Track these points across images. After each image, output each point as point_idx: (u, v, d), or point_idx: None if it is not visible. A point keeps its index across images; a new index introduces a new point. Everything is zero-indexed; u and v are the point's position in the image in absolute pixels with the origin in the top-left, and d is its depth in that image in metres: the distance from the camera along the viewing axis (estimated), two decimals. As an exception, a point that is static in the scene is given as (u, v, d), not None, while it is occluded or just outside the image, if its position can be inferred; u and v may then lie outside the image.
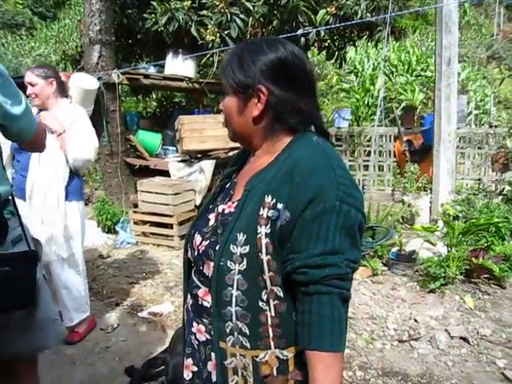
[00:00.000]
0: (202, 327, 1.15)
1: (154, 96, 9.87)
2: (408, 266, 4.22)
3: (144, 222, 5.33)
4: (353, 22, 5.81)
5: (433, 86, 10.20)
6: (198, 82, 6.36)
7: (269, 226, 0.99)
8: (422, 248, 4.40)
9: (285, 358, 1.05)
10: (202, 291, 1.15)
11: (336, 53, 7.00)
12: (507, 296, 3.75)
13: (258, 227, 1.00)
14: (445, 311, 3.50)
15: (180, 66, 6.19)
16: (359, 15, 6.05)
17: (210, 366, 1.15)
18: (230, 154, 5.45)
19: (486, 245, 3.97)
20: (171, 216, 5.01)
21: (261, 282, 1.02)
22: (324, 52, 7.12)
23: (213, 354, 1.12)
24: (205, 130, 5.25)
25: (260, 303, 1.03)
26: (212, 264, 1.07)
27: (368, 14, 6.12)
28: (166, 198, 5.01)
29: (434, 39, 5.90)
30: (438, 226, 4.75)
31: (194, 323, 1.17)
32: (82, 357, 3.04)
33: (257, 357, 1.05)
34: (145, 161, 5.96)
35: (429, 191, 5.96)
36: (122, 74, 5.70)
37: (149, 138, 6.30)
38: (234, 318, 1.04)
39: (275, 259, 1.00)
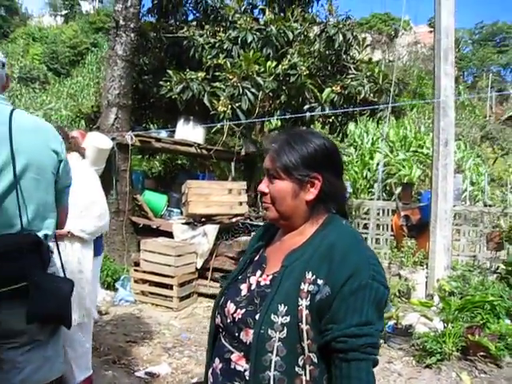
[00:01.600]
0: None
1: (158, 157, 10.16)
2: (404, 340, 4.26)
3: (144, 281, 5.37)
4: (364, 106, 6.16)
5: (429, 162, 10.57)
6: (206, 149, 6.65)
7: (309, 298, 1.13)
8: (418, 322, 4.46)
9: None
10: (235, 356, 1.24)
11: (338, 128, 7.36)
12: (504, 376, 3.76)
13: (299, 300, 1.14)
14: (441, 388, 3.53)
15: (190, 131, 6.50)
16: (362, 95, 6.44)
17: None
18: (234, 219, 5.61)
19: (481, 322, 4.05)
20: (172, 277, 5.08)
21: (298, 349, 1.14)
22: (327, 127, 7.48)
23: None
24: (211, 196, 5.43)
25: (296, 368, 1.14)
26: (251, 331, 1.18)
27: (371, 95, 6.52)
28: (168, 258, 5.10)
29: (432, 121, 6.24)
30: (433, 301, 4.83)
31: None
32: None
33: None
34: (149, 221, 6.10)
35: (425, 266, 6.07)
36: (135, 136, 5.97)
37: (154, 199, 6.48)
38: (271, 382, 1.14)
39: (313, 328, 1.13)
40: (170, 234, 5.72)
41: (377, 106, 6.34)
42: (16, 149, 1.71)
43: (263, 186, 1.30)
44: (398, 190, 8.38)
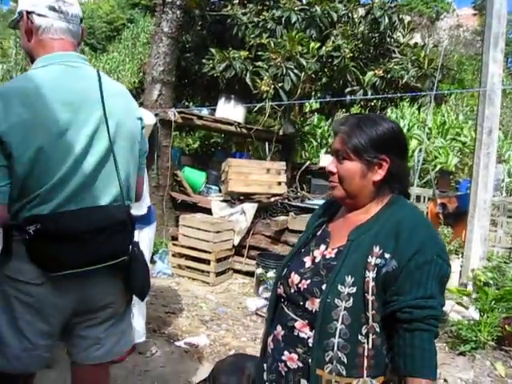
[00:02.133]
0: (295, 356, 1.31)
1: (193, 134, 10.27)
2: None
3: (182, 255, 5.51)
4: (407, 91, 6.08)
5: (467, 151, 10.40)
6: (246, 128, 6.70)
7: (375, 271, 1.21)
8: (452, 310, 4.47)
9: None
10: (299, 323, 1.32)
11: (378, 112, 7.29)
12: (539, 368, 3.77)
13: (367, 272, 1.22)
14: (475, 375, 3.55)
15: (231, 110, 6.55)
16: (405, 80, 6.36)
17: None
18: (272, 199, 5.67)
19: (518, 314, 4.03)
20: (210, 252, 5.20)
21: (363, 319, 1.22)
22: (366, 111, 7.42)
23: (302, 381, 1.29)
24: (250, 174, 5.50)
25: (359, 336, 1.22)
26: (317, 300, 1.26)
27: (413, 80, 6.43)
28: (206, 234, 5.21)
29: (476, 109, 6.11)
30: (469, 290, 4.82)
31: (286, 352, 1.34)
32: (123, 377, 3.15)
33: None
34: (188, 197, 6.22)
35: (460, 255, 6.03)
36: (178, 112, 6.06)
37: (194, 176, 6.59)
38: (335, 348, 1.22)
39: (377, 299, 1.21)
40: (208, 211, 5.83)
41: (421, 93, 6.24)
42: (108, 112, 1.61)
43: (331, 166, 1.37)
44: (435, 176, 8.30)
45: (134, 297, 1.83)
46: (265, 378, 1.43)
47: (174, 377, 3.24)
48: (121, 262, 1.63)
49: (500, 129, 14.09)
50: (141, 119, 1.78)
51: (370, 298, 1.21)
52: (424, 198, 7.49)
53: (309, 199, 6.20)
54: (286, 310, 1.39)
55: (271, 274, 4.82)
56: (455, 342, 3.97)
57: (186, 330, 4.02)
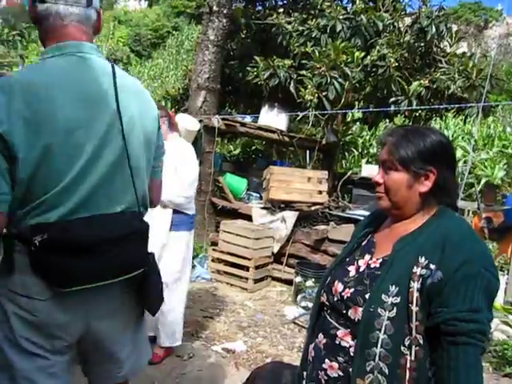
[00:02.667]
0: (336, 364, 1.32)
1: (234, 141, 10.37)
2: (482, 345, 4.15)
3: (221, 261, 5.56)
4: (454, 102, 5.96)
5: (516, 164, 10.05)
6: (288, 136, 6.72)
7: (420, 282, 1.20)
8: (496, 329, 4.33)
9: None
10: (341, 332, 1.33)
11: (422, 123, 7.17)
12: None
13: (411, 282, 1.21)
14: (520, 397, 3.43)
15: (273, 118, 6.59)
16: (451, 90, 6.24)
17: None
18: (313, 208, 5.65)
19: None
20: (249, 259, 5.22)
21: (406, 329, 1.21)
22: (410, 121, 7.30)
23: None
24: (292, 183, 5.51)
25: (402, 348, 1.21)
26: (360, 309, 1.27)
27: (459, 90, 6.30)
28: (246, 241, 5.24)
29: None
30: (514, 309, 4.66)
31: (327, 360, 1.34)
32: (160, 379, 3.19)
33: None
34: (229, 203, 6.28)
35: (506, 272, 5.84)
36: (222, 119, 6.15)
37: (235, 182, 6.65)
38: (376, 358, 1.21)
39: (421, 310, 1.20)
40: (248, 217, 5.87)
41: (469, 104, 6.10)
42: (123, 110, 1.45)
43: (378, 177, 1.38)
44: (480, 189, 8.06)
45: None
46: None
47: (210, 381, 3.27)
48: (137, 275, 1.48)
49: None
50: (157, 120, 1.63)
51: (414, 308, 1.20)
52: (468, 211, 7.29)
53: (350, 209, 6.15)
54: (328, 318, 1.40)
55: (310, 282, 4.80)
56: (499, 363, 3.85)
57: (223, 336, 4.05)
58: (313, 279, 4.80)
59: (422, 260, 1.22)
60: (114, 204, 1.45)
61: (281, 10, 7.21)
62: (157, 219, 2.98)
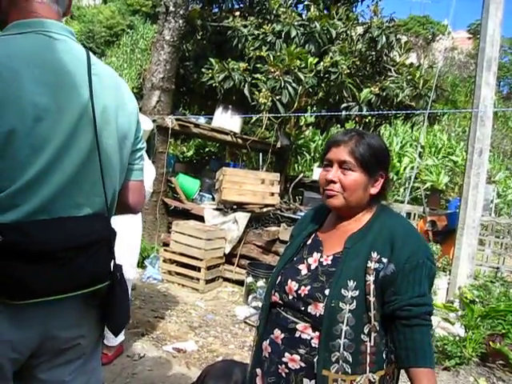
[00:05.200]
0: (297, 357, 1.38)
1: (187, 143, 10.34)
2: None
3: (172, 261, 5.53)
4: (402, 109, 6.19)
5: (458, 170, 10.54)
6: (241, 138, 6.78)
7: (374, 274, 1.32)
8: (438, 326, 4.53)
9: (374, 380, 1.32)
10: (301, 326, 1.39)
11: (372, 129, 7.40)
12: (521, 385, 3.84)
13: (367, 276, 1.33)
14: (458, 390, 3.61)
15: (227, 120, 6.63)
16: (399, 98, 6.48)
17: None
18: (265, 209, 5.72)
19: (503, 331, 4.10)
20: (201, 260, 5.22)
21: (365, 319, 1.32)
22: (360, 127, 7.53)
23: (305, 380, 1.35)
24: (244, 184, 5.56)
25: (362, 336, 1.32)
26: (321, 305, 1.34)
27: (407, 98, 6.56)
28: (198, 241, 5.24)
29: (468, 130, 6.23)
30: (455, 307, 4.89)
31: (287, 354, 1.39)
32: (110, 379, 3.16)
33: (355, 381, 1.31)
34: (181, 203, 6.26)
35: (448, 272, 6.11)
36: (175, 120, 6.13)
37: (188, 183, 6.63)
38: (341, 349, 1.30)
39: (377, 300, 1.32)
40: (200, 218, 5.87)
41: (416, 111, 6.37)
42: (96, 96, 1.27)
43: (332, 175, 1.42)
44: (425, 194, 8.40)
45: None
46: (259, 382, 1.48)
47: (161, 380, 3.26)
48: (101, 288, 1.30)
49: (490, 150, 14.35)
50: (136, 114, 1.45)
51: (372, 299, 1.32)
52: (414, 215, 7.59)
53: (301, 211, 6.27)
54: (284, 314, 1.44)
55: (261, 283, 4.86)
56: (440, 357, 4.02)
57: (174, 336, 4.04)
58: (264, 279, 4.87)
59: (375, 255, 1.34)
60: (80, 206, 1.27)
61: (237, 13, 7.29)
62: (126, 223, 2.88)
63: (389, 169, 1.49)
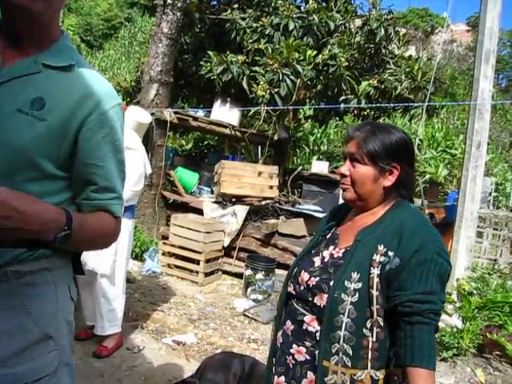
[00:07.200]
0: (303, 349, 1.39)
1: (186, 136, 10.31)
2: (422, 333, 4.36)
3: (171, 255, 5.55)
4: (400, 102, 6.18)
5: (457, 163, 10.56)
6: (240, 131, 6.77)
7: (379, 268, 1.29)
8: (436, 318, 4.57)
9: (377, 378, 1.30)
10: (308, 318, 1.40)
11: (371, 122, 7.40)
12: (518, 375, 3.87)
13: (372, 269, 1.30)
14: (455, 381, 3.64)
15: (226, 113, 6.62)
16: (398, 91, 6.48)
17: (305, 383, 1.38)
18: (263, 202, 5.74)
19: (500, 322, 4.13)
20: (200, 253, 5.24)
21: (367, 313, 1.30)
22: (359, 119, 7.53)
23: (309, 373, 1.36)
24: (243, 177, 5.57)
25: (364, 330, 1.30)
26: (325, 296, 1.34)
27: (406, 91, 6.55)
28: (197, 234, 5.26)
29: (467, 122, 6.24)
30: (452, 298, 4.92)
31: (294, 345, 1.41)
32: (110, 371, 3.18)
33: (355, 375, 1.29)
34: (180, 196, 6.27)
35: (446, 265, 6.13)
36: (174, 113, 6.12)
37: (186, 176, 6.64)
38: (341, 341, 1.29)
39: (381, 295, 1.29)
40: (199, 211, 5.88)
41: (414, 104, 6.36)
42: None
43: (344, 169, 1.44)
44: (424, 187, 8.42)
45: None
46: (273, 371, 1.50)
47: (160, 373, 3.27)
48: None
49: (489, 143, 14.35)
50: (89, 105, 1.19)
51: (375, 293, 1.29)
52: (413, 207, 7.60)
53: (299, 204, 6.28)
54: (295, 305, 1.46)
55: (260, 275, 4.88)
56: (437, 348, 4.05)
57: (173, 328, 4.06)
58: (262, 272, 4.89)
59: (381, 248, 1.31)
60: None
61: (235, 5, 7.25)
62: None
63: (408, 159, 1.43)
